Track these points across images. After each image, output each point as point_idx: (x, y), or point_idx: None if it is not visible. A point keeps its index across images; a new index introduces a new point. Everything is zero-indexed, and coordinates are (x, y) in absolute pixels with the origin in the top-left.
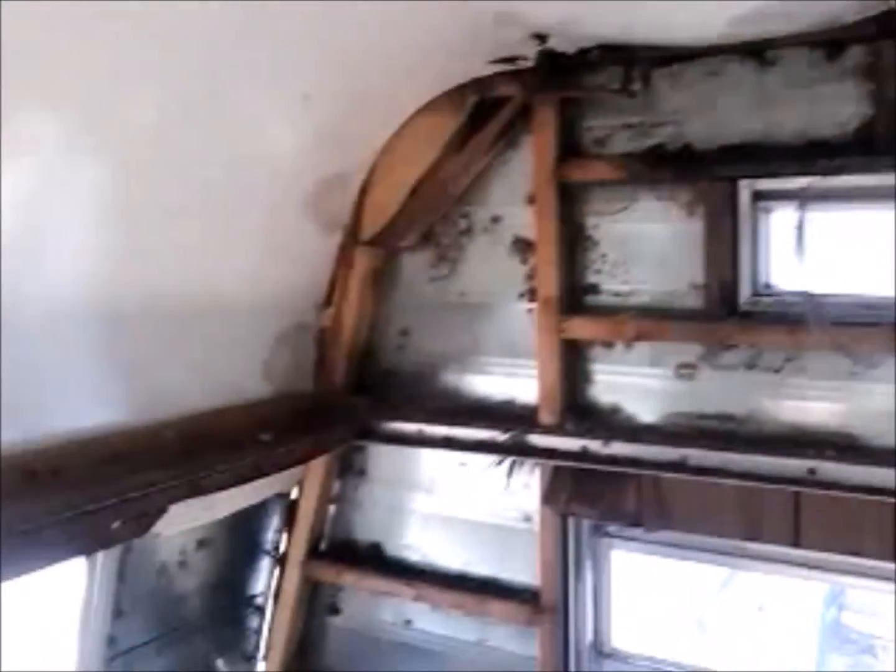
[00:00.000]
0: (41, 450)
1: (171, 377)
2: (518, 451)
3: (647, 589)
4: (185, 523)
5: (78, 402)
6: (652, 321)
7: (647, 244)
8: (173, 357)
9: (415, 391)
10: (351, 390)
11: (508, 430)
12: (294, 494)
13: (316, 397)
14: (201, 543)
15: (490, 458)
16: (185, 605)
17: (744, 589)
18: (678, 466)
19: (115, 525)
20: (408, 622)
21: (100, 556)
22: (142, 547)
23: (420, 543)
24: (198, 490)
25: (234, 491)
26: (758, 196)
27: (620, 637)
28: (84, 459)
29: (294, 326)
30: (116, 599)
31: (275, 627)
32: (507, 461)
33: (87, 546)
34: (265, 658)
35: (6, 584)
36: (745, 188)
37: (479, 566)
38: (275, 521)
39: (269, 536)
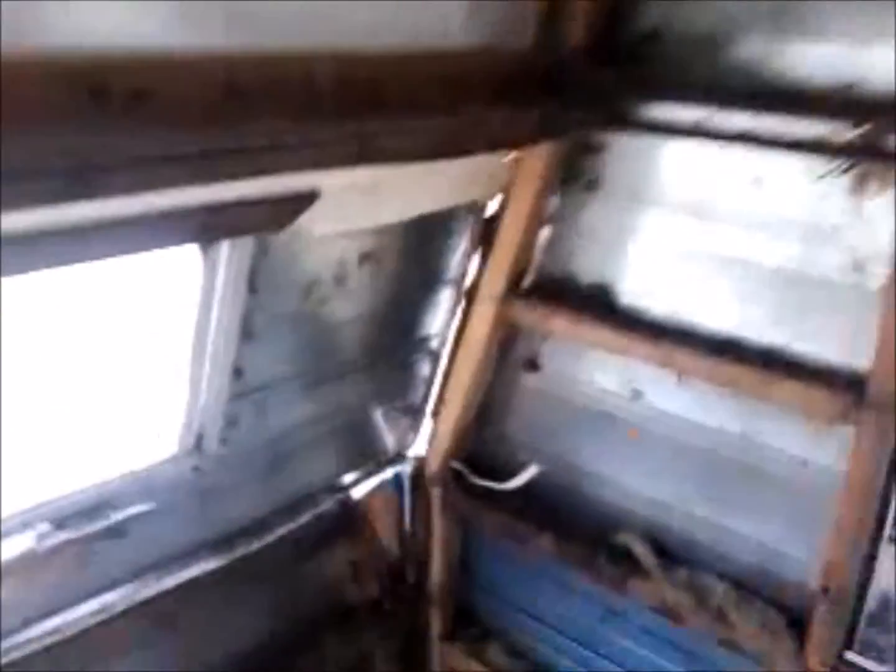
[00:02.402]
0: (115, 65)
1: None
2: (868, 155)
3: None
4: (342, 221)
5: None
6: None
7: None
8: None
9: (694, 64)
10: (595, 57)
11: (858, 122)
12: (491, 210)
13: (543, 61)
14: (366, 258)
15: (810, 167)
16: (337, 339)
17: None
18: None
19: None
20: (637, 394)
21: (224, 252)
22: (284, 249)
23: (671, 291)
24: (363, 156)
25: (413, 185)
26: None
27: None
28: (181, 89)
29: None
30: (246, 318)
31: (452, 380)
32: (840, 170)
33: (197, 226)
34: (435, 414)
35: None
36: None
37: (763, 330)
38: (462, 244)
39: (454, 263)
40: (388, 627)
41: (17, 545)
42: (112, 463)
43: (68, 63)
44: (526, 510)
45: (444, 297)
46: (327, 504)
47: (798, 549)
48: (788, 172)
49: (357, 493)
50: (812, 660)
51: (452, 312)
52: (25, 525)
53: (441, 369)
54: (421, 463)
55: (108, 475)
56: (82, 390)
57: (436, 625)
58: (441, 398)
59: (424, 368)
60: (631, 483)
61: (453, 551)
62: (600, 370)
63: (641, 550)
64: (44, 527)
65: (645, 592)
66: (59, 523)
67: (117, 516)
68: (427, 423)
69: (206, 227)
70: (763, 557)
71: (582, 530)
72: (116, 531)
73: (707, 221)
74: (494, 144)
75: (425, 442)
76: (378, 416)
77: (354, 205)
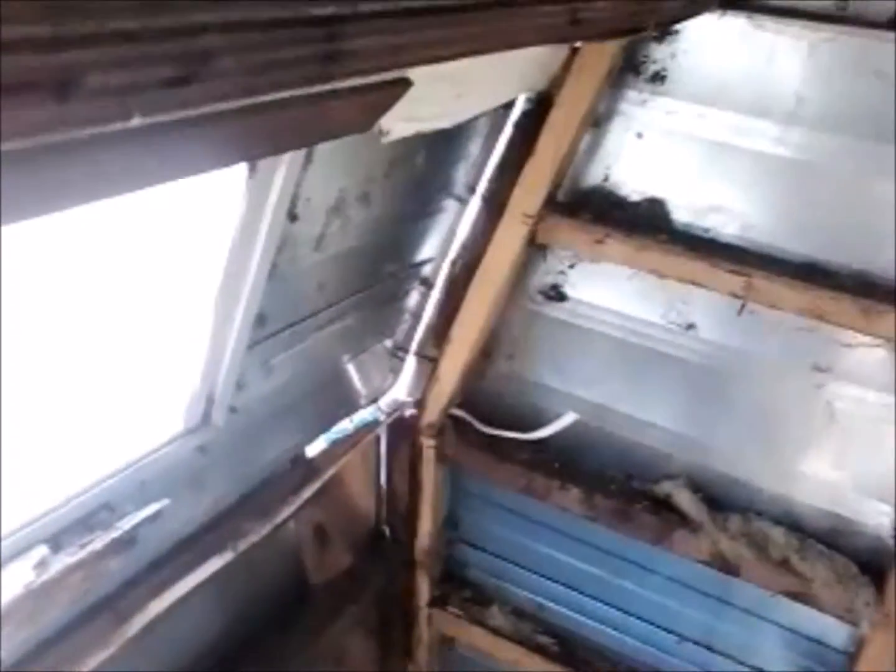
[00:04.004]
0: None
1: None
2: None
3: None
4: (421, 119)
5: None
6: None
7: None
8: None
9: None
10: None
11: None
12: (520, 109)
13: None
14: (393, 167)
15: None
16: (340, 271)
17: None
18: None
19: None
20: (689, 327)
21: (274, 168)
22: (326, 162)
23: (738, 208)
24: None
25: (488, 75)
26: None
27: None
28: None
29: None
30: (277, 254)
31: (464, 312)
32: None
33: (255, 131)
34: (431, 355)
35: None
36: None
37: (858, 254)
38: (472, 149)
39: (463, 174)
40: (365, 598)
41: (12, 582)
42: (103, 454)
43: None
44: (543, 462)
45: (446, 215)
46: (295, 462)
47: (865, 494)
48: None
49: (326, 446)
50: (893, 607)
51: (453, 233)
52: (17, 553)
53: (433, 301)
54: (404, 410)
55: (101, 470)
56: (63, 364)
57: (423, 590)
58: (441, 335)
59: (412, 300)
60: (670, 426)
61: (442, 507)
62: (641, 300)
63: (687, 499)
64: (40, 551)
65: (693, 545)
66: (56, 542)
67: (125, 523)
68: (411, 365)
69: (268, 131)
70: (823, 500)
71: (612, 482)
72: (125, 542)
73: (794, 127)
74: (612, 30)
75: (413, 386)
76: (350, 368)
77: (436, 98)
